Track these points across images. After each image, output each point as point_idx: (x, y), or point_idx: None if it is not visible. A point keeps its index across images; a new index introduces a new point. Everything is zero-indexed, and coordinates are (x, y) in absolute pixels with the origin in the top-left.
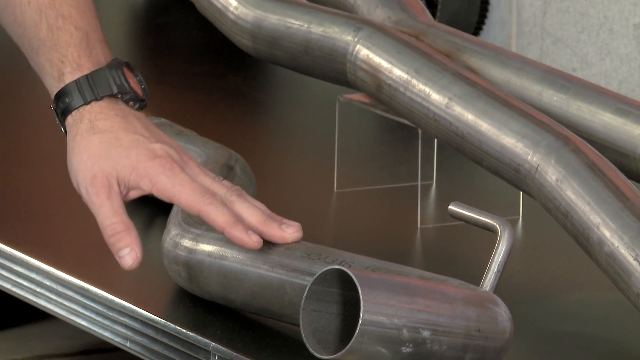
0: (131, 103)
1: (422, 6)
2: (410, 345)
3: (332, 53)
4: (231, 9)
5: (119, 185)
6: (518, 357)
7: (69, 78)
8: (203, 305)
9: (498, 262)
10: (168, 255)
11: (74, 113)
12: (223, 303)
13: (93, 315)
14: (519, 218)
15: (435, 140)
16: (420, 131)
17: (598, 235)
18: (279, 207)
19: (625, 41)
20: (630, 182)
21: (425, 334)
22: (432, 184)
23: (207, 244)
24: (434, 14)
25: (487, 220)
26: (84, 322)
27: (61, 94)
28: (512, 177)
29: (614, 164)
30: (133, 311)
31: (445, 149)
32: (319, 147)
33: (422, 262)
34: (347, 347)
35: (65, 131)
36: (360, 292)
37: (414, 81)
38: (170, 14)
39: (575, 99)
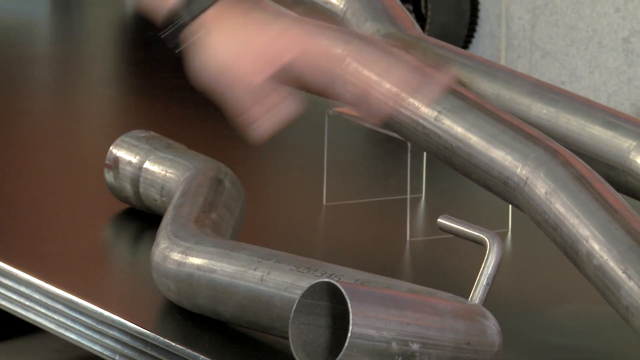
0: None
1: (412, 20)
2: (400, 359)
3: None
4: None
5: (262, 65)
6: None
7: None
8: (192, 318)
9: (487, 275)
10: (157, 269)
11: (201, 16)
12: (212, 316)
13: (82, 329)
14: (508, 231)
15: (425, 153)
16: (409, 144)
17: (587, 248)
18: (268, 220)
19: (614, 54)
20: (619, 195)
21: (415, 347)
22: (421, 197)
23: (196, 257)
24: (423, 28)
25: (476, 233)
26: (73, 336)
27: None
28: (501, 190)
29: (603, 177)
30: (122, 324)
31: (434, 162)
32: (308, 160)
33: (411, 275)
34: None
35: (176, 45)
36: (349, 305)
37: (403, 94)
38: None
39: (564, 112)
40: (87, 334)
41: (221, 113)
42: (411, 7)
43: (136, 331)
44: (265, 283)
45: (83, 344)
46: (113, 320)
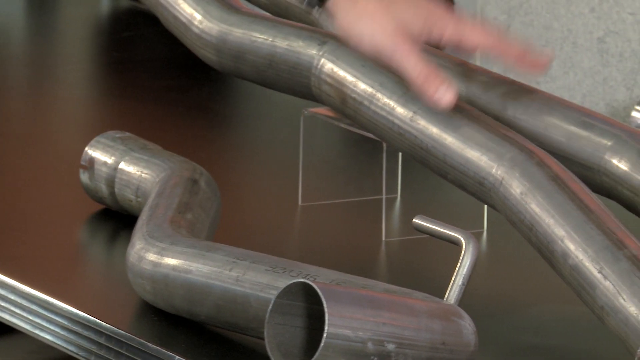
0: None
1: None
2: (375, 359)
3: (296, 67)
4: (196, 22)
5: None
6: None
7: None
8: (168, 319)
9: (462, 275)
10: (133, 269)
11: None
12: (188, 317)
13: (58, 330)
14: (483, 231)
15: (400, 153)
16: (384, 144)
17: (562, 248)
18: (243, 221)
19: (589, 54)
20: (594, 195)
21: (390, 347)
22: (397, 197)
23: (172, 257)
24: None
25: (452, 234)
26: (48, 337)
27: None
28: (476, 190)
29: (578, 177)
30: (98, 325)
31: (410, 162)
32: (283, 160)
33: (387, 275)
34: None
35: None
36: (325, 305)
37: (379, 95)
38: (135, 28)
39: (539, 112)
40: (62, 335)
41: (196, 113)
42: None
43: (112, 332)
44: (240, 283)
45: (59, 345)
46: (88, 321)
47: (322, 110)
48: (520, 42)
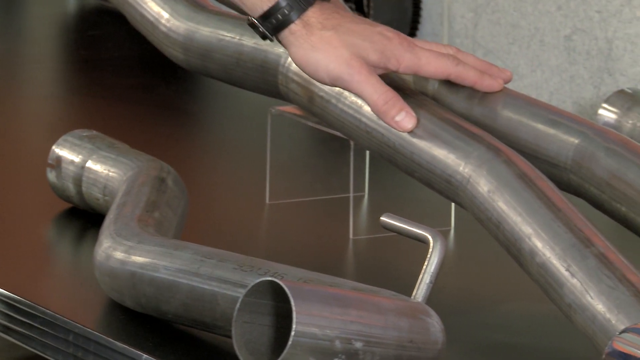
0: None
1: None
2: (343, 357)
3: (264, 65)
4: (163, 21)
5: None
6: None
7: None
8: (135, 317)
9: (430, 273)
10: (100, 268)
11: (297, 22)
12: (156, 315)
13: (24, 329)
14: (450, 229)
15: (367, 151)
16: (352, 143)
17: (530, 246)
18: (210, 219)
19: (556, 52)
20: (561, 193)
21: (358, 345)
22: (364, 195)
23: (139, 256)
24: None
25: (419, 232)
26: (15, 335)
27: (274, 11)
28: (443, 188)
29: (546, 174)
30: (65, 323)
31: (377, 161)
32: (251, 159)
33: (355, 274)
34: (280, 358)
35: (279, 41)
36: (292, 303)
37: (346, 93)
38: (102, 26)
39: (507, 110)
40: (29, 334)
41: (164, 112)
42: (354, 6)
43: (79, 330)
44: (208, 282)
45: (26, 343)
46: (55, 319)
47: (289, 108)
48: (477, 64)
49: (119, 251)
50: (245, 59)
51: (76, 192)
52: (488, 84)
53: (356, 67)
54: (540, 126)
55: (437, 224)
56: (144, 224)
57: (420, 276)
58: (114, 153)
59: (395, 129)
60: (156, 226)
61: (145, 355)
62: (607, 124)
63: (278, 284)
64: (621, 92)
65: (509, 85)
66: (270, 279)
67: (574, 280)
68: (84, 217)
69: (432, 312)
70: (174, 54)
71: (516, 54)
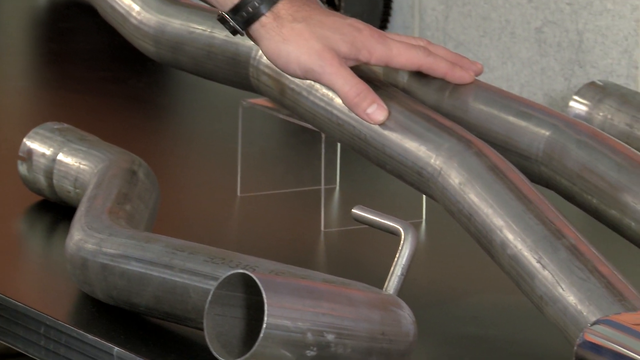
0: None
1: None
2: (315, 349)
3: (235, 58)
4: (134, 14)
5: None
6: None
7: None
8: (107, 310)
9: (401, 265)
10: (71, 260)
11: (267, 14)
12: (127, 308)
13: None
14: (422, 221)
15: (339, 144)
16: (323, 135)
17: (501, 238)
18: (182, 212)
19: (527, 45)
20: (532, 185)
21: (330, 337)
22: (336, 187)
23: (110, 248)
24: None
25: (390, 224)
26: None
27: (244, 4)
28: (415, 180)
29: (517, 166)
30: (36, 315)
31: (349, 153)
32: (222, 151)
33: (326, 266)
34: (251, 351)
35: (250, 36)
36: (264, 296)
37: (317, 85)
38: (73, 19)
39: (478, 102)
40: (0, 326)
41: (135, 104)
42: None
43: (51, 323)
44: (179, 274)
45: None
46: (27, 312)
47: (260, 101)
48: (448, 55)
49: (90, 244)
50: (216, 52)
51: (47, 184)
52: (459, 75)
53: (327, 59)
54: (512, 118)
55: (409, 216)
56: (115, 216)
57: (392, 268)
58: (85, 146)
59: (366, 121)
60: (127, 219)
61: (116, 348)
62: (578, 116)
63: (250, 277)
64: (592, 84)
65: (480, 78)
66: (241, 271)
67: (546, 272)
68: (55, 210)
69: (404, 304)
70: (145, 46)
71: (487, 46)
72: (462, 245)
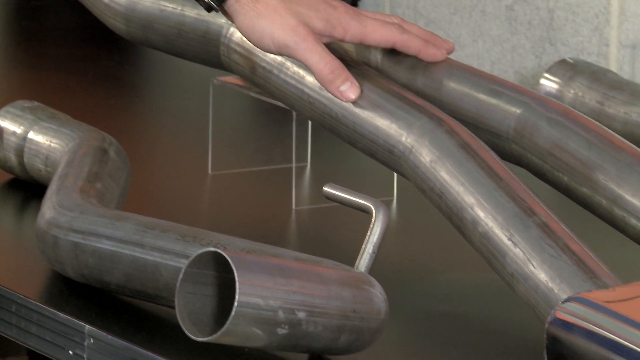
0: None
1: None
2: (286, 327)
3: (206, 36)
4: None
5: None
6: (393, 337)
7: None
8: (78, 288)
9: (373, 243)
10: (42, 239)
11: None
12: (98, 286)
13: None
14: (393, 199)
15: (310, 122)
16: (294, 113)
17: (472, 215)
18: (153, 190)
19: (498, 22)
20: (503, 163)
21: (301, 315)
22: (307, 165)
23: (82, 227)
24: None
25: (362, 202)
26: None
27: None
28: (386, 158)
29: (488, 144)
30: (7, 294)
31: (320, 131)
32: (193, 129)
33: (297, 244)
34: (223, 329)
35: (224, 12)
36: (235, 274)
37: (288, 63)
38: None
39: (449, 80)
40: None
41: (106, 83)
42: None
43: (22, 301)
44: (150, 252)
45: None
46: None
47: (231, 79)
48: (421, 33)
49: (61, 222)
50: (187, 30)
51: (18, 163)
52: (432, 53)
53: (302, 35)
54: (483, 96)
55: (380, 194)
56: (86, 194)
57: (363, 246)
58: (55, 124)
59: (339, 99)
60: (98, 197)
61: (88, 326)
62: (548, 93)
63: (221, 255)
64: (563, 62)
65: (451, 56)
66: (213, 249)
67: (517, 250)
68: (26, 188)
69: (375, 282)
70: (116, 24)
71: (458, 24)
72: (433, 223)
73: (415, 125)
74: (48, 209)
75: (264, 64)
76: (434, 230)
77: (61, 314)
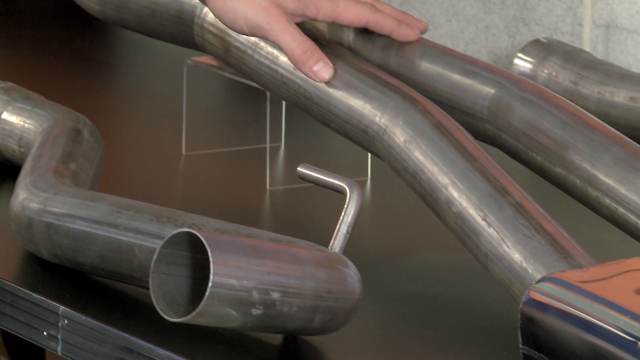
0: None
1: None
2: (260, 307)
3: (179, 16)
4: None
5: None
6: (367, 318)
7: None
8: (52, 269)
9: (347, 224)
10: (16, 219)
11: None
12: (72, 267)
13: None
14: (367, 179)
15: (284, 102)
16: (268, 93)
17: (446, 195)
18: (127, 170)
19: (471, 2)
20: (477, 143)
21: (275, 295)
22: (281, 146)
23: (55, 207)
24: None
25: (336, 182)
26: None
27: None
28: (360, 138)
29: (462, 124)
30: None
31: (294, 111)
32: (167, 110)
33: (272, 224)
34: (197, 309)
35: None
36: (210, 254)
37: (262, 43)
38: None
39: (423, 60)
40: None
41: (79, 63)
42: None
43: None
44: (125, 233)
45: None
46: None
47: (205, 59)
48: (394, 13)
49: (35, 203)
50: (161, 10)
51: None
52: (405, 33)
53: (274, 15)
54: (456, 76)
55: (354, 174)
56: (60, 175)
57: (337, 227)
58: (29, 105)
59: (312, 79)
60: (72, 178)
61: (62, 307)
62: (522, 73)
63: (195, 235)
64: (536, 42)
65: (425, 35)
66: (187, 230)
67: (491, 230)
68: (0, 169)
69: (350, 263)
70: (90, 5)
71: (431, 4)
72: (407, 203)
73: (389, 105)
74: (22, 189)
75: (237, 44)
76: (408, 211)
77: (35, 295)
